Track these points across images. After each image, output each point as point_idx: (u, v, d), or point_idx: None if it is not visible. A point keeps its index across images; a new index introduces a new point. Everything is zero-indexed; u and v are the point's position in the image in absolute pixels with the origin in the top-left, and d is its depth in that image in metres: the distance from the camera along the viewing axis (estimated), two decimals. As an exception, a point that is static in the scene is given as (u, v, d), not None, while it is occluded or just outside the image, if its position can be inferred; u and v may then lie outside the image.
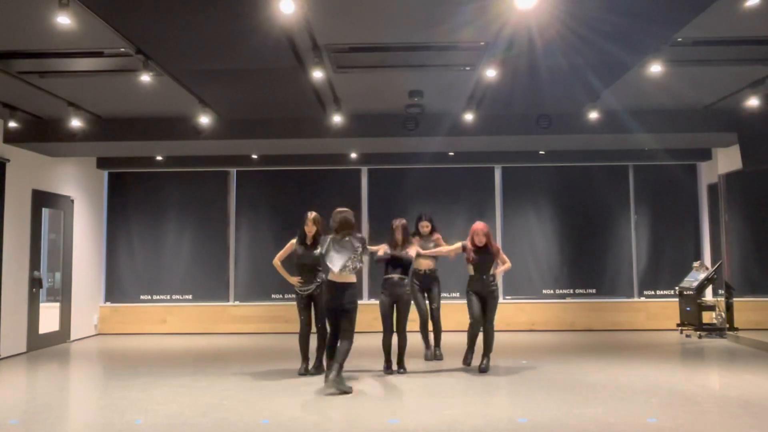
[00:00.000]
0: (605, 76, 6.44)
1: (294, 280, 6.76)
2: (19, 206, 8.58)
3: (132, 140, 8.39)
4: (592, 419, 4.88)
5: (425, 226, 7.62)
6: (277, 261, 6.90)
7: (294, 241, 6.86)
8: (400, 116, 8.16)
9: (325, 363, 6.55)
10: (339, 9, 4.93)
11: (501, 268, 6.97)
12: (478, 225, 6.86)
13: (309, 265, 6.71)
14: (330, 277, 6.16)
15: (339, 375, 5.87)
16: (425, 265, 7.46)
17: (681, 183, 10.83)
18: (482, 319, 6.74)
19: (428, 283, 7.49)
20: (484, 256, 6.75)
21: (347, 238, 6.15)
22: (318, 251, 6.59)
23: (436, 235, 7.63)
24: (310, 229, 6.77)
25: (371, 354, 7.43)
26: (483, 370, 6.74)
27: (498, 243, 10.65)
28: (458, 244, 6.97)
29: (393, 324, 6.76)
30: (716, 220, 10.01)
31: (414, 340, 7.43)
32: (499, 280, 10.26)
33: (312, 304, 6.80)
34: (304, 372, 6.75)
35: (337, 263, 6.06)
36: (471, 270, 6.81)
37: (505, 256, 6.96)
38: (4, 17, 4.95)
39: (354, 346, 6.11)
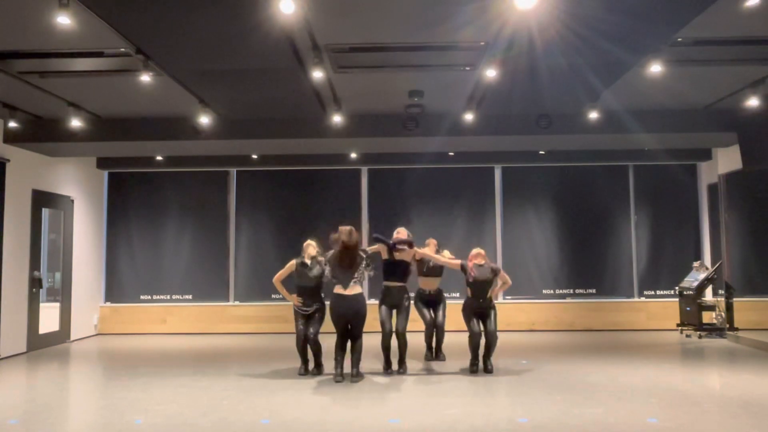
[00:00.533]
0: (605, 76, 6.44)
1: (294, 299, 6.80)
2: (19, 206, 8.58)
3: (132, 140, 8.39)
4: (592, 419, 4.88)
5: (431, 243, 7.57)
6: (277, 281, 6.90)
7: (294, 262, 6.86)
8: (400, 116, 8.17)
9: (333, 362, 6.56)
10: (339, 9, 4.94)
11: (499, 288, 7.02)
12: (474, 251, 6.90)
13: (309, 288, 6.74)
14: (336, 290, 6.42)
15: (360, 371, 6.48)
16: (430, 286, 7.44)
17: (681, 183, 10.83)
18: (481, 332, 6.76)
19: (433, 304, 7.48)
20: (483, 277, 6.73)
21: (360, 261, 6.42)
22: (317, 272, 6.70)
23: (444, 254, 7.56)
24: (308, 255, 6.82)
25: (371, 354, 7.43)
26: (489, 371, 6.74)
27: (498, 243, 10.70)
28: (458, 261, 6.98)
29: (392, 328, 6.77)
30: (716, 220, 10.01)
31: (416, 339, 7.44)
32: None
33: (309, 319, 6.79)
34: (304, 372, 6.76)
35: (343, 280, 6.39)
36: (469, 293, 6.83)
37: (506, 276, 6.96)
38: (4, 17, 4.96)
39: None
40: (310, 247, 6.86)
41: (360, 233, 6.80)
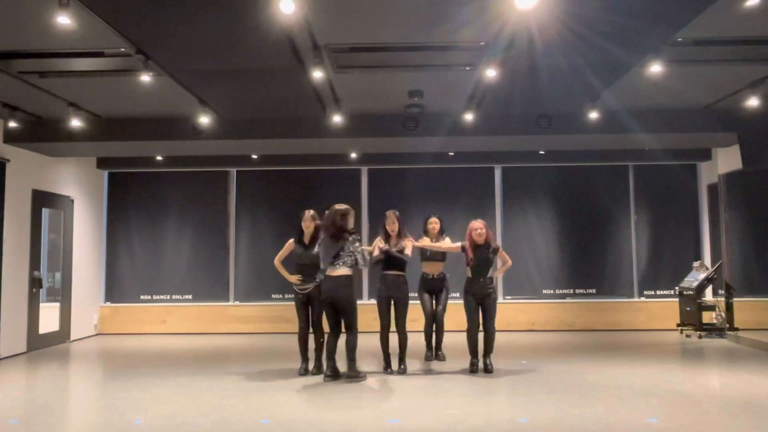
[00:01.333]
0: (605, 76, 6.44)
1: (294, 278, 6.77)
2: (19, 206, 8.58)
3: (132, 140, 8.39)
4: (592, 419, 4.88)
5: (434, 223, 7.50)
6: (277, 261, 6.93)
7: (292, 240, 6.87)
8: (400, 116, 8.17)
9: (324, 362, 6.57)
10: (339, 9, 4.93)
11: (501, 270, 6.99)
12: (476, 222, 6.80)
13: (308, 265, 6.71)
14: (327, 271, 6.37)
15: (353, 371, 6.33)
16: (433, 270, 7.42)
17: (681, 183, 10.83)
18: (479, 325, 6.74)
19: (436, 289, 7.45)
20: (482, 256, 6.71)
21: (342, 237, 6.31)
22: (315, 250, 6.63)
23: (446, 238, 7.54)
24: (308, 227, 6.77)
25: (371, 354, 7.43)
26: (489, 370, 6.72)
27: (498, 243, 10.69)
28: (458, 244, 6.94)
29: (390, 321, 6.75)
30: (716, 220, 10.01)
31: (415, 339, 7.43)
32: (499, 280, 10.30)
33: (310, 304, 6.79)
34: (304, 372, 6.75)
35: (330, 259, 6.30)
36: (469, 272, 6.80)
37: (506, 255, 6.95)
38: (4, 17, 4.96)
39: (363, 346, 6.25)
40: (309, 222, 6.79)
41: (360, 232, 6.73)
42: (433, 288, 7.45)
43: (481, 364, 6.80)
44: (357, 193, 10.93)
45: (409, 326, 6.84)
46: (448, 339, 7.69)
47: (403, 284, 6.74)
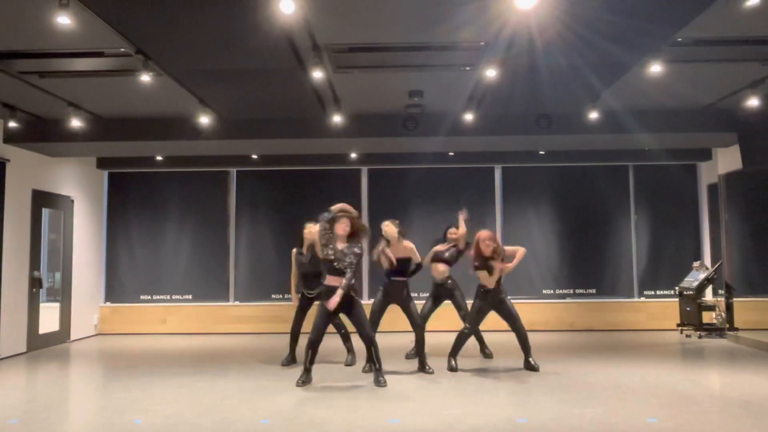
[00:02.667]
0: (605, 76, 6.44)
1: (294, 297, 7.39)
2: (19, 206, 8.58)
3: (132, 140, 8.39)
4: (592, 419, 4.88)
5: (453, 233, 7.49)
6: (293, 277, 7.46)
7: (294, 250, 7.38)
8: (400, 116, 8.17)
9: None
10: (339, 9, 4.94)
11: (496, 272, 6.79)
12: (483, 233, 6.72)
13: (312, 273, 7.17)
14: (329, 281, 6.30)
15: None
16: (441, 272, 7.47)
17: (681, 183, 10.83)
18: (478, 327, 6.78)
19: (447, 294, 7.47)
20: (492, 267, 6.68)
21: (343, 247, 6.19)
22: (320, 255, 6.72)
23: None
24: (308, 237, 7.22)
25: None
26: (535, 368, 6.75)
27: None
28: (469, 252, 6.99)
29: (377, 324, 6.89)
30: (716, 220, 10.01)
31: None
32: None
33: (311, 306, 7.18)
34: (287, 363, 7.18)
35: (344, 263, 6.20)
36: (480, 278, 6.82)
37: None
38: (4, 17, 4.96)
39: (355, 346, 6.23)
40: (309, 235, 7.25)
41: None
42: (443, 293, 7.47)
43: (524, 364, 6.89)
44: (357, 194, 10.93)
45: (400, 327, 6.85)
46: (446, 339, 7.68)
47: (405, 290, 6.84)
